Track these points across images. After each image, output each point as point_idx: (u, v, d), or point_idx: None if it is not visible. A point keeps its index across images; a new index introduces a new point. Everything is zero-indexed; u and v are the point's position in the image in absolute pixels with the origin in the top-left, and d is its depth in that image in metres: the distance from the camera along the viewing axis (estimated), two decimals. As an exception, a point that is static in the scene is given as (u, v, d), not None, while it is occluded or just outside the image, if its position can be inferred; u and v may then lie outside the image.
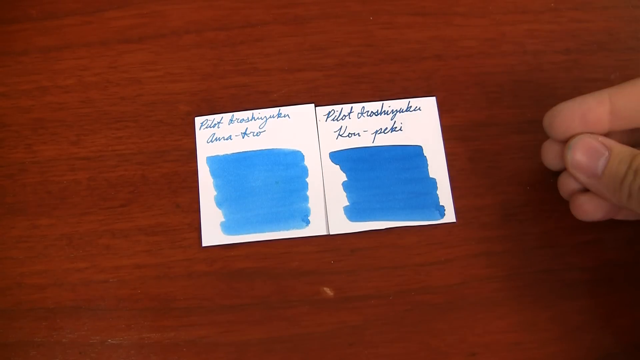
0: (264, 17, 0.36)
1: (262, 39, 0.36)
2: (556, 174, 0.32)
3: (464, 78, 0.35)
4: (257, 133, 0.34)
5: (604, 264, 0.32)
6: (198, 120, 0.34)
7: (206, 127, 0.34)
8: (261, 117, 0.34)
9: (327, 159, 0.33)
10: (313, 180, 0.33)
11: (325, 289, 0.32)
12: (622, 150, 0.28)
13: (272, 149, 0.34)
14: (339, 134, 0.34)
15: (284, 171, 0.33)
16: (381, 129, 0.34)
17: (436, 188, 0.33)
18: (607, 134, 0.29)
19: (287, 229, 0.32)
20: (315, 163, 0.33)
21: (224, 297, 0.31)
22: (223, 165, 0.33)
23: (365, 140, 0.34)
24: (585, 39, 0.35)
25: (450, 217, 0.32)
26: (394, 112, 0.34)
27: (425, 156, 0.33)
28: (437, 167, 0.33)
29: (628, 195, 0.27)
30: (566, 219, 0.32)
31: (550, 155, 0.31)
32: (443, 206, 0.33)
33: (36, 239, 0.32)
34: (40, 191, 0.33)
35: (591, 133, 0.29)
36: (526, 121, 0.34)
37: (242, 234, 0.32)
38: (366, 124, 0.34)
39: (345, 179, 0.33)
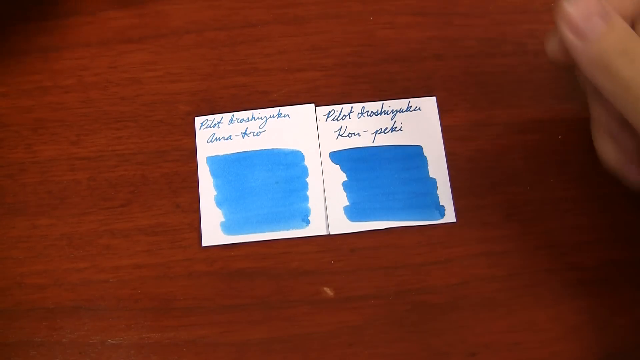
0: (264, 17, 0.36)
1: (262, 39, 0.36)
2: (556, 174, 0.32)
3: (464, 78, 0.35)
4: (257, 133, 0.34)
5: (604, 264, 0.32)
6: (198, 120, 0.34)
7: (206, 127, 0.34)
8: (261, 117, 0.34)
9: (327, 159, 0.33)
10: (313, 180, 0.33)
11: (325, 289, 0.32)
12: (623, 27, 0.25)
13: (272, 149, 0.34)
14: (339, 134, 0.34)
15: (284, 171, 0.33)
16: (381, 129, 0.34)
17: (436, 188, 0.33)
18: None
19: (287, 229, 0.32)
20: (315, 163, 0.33)
21: (224, 297, 0.31)
22: (223, 165, 0.33)
23: (365, 140, 0.34)
24: (585, 39, 0.35)
25: (450, 217, 0.32)
26: (394, 112, 0.34)
27: (425, 156, 0.33)
28: (437, 167, 0.33)
29: (610, 78, 0.25)
30: (566, 219, 0.32)
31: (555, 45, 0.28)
32: (443, 206, 0.33)
33: (36, 239, 0.32)
34: (40, 191, 0.33)
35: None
36: (526, 121, 0.34)
37: (242, 234, 0.32)
38: (366, 124, 0.34)
39: (345, 179, 0.33)
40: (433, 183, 0.33)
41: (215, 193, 0.33)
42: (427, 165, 0.33)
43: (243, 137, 0.34)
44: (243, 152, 0.34)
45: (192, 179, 0.33)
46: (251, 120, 0.34)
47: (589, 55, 0.26)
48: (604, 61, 0.25)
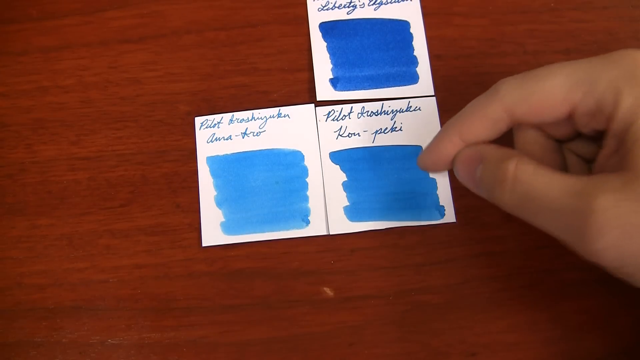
0: (264, 17, 0.36)
1: (262, 39, 0.36)
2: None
3: (464, 78, 0.35)
4: (257, 133, 0.34)
5: (604, 264, 0.32)
6: (198, 120, 0.34)
7: (206, 127, 0.34)
8: (261, 117, 0.34)
9: (327, 159, 0.33)
10: (313, 180, 0.33)
11: (325, 289, 0.32)
12: (492, 157, 0.25)
13: (272, 149, 0.34)
14: (339, 134, 0.34)
15: (284, 171, 0.33)
16: (381, 129, 0.34)
17: (436, 188, 0.33)
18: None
19: (287, 229, 0.32)
20: (315, 163, 0.33)
21: (224, 297, 0.31)
22: (223, 165, 0.33)
23: (365, 140, 0.34)
24: (585, 39, 0.35)
25: (450, 217, 0.32)
26: (394, 112, 0.34)
27: (425, 156, 0.33)
28: (437, 167, 0.33)
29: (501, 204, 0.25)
30: (566, 219, 0.32)
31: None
32: (443, 206, 0.33)
33: (36, 239, 0.32)
34: (40, 191, 0.33)
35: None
36: (526, 121, 0.34)
37: (242, 234, 0.32)
38: (366, 124, 0.34)
39: (345, 179, 0.33)
40: (433, 183, 0.33)
41: (215, 193, 0.33)
42: (427, 165, 0.33)
43: (243, 137, 0.34)
44: (243, 152, 0.34)
45: (192, 179, 0.33)
46: (251, 120, 0.34)
47: (485, 194, 0.26)
48: (490, 197, 0.26)
